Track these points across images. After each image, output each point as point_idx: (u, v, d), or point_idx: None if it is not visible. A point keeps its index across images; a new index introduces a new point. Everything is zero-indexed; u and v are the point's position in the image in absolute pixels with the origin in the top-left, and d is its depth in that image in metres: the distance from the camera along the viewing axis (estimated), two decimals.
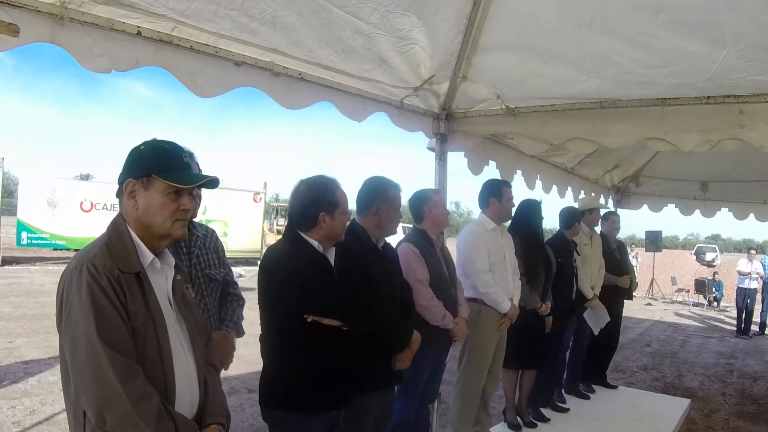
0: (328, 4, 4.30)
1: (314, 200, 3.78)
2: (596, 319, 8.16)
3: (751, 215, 12.33)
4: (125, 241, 2.59)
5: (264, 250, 26.09)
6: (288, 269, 3.68)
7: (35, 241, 28.40)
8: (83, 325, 2.36)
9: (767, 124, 5.25)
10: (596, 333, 8.32)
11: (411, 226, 5.78)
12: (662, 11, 4.66)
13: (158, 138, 2.83)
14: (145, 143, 2.74)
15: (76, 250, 26.67)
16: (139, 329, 2.49)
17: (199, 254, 3.97)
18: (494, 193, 6.35)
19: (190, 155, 3.77)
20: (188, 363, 2.73)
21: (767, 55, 4.73)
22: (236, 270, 19.47)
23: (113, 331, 2.39)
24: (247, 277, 21.02)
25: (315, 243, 3.82)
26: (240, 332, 4.22)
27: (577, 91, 5.85)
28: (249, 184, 34.79)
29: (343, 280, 3.93)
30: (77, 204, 28.38)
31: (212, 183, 2.81)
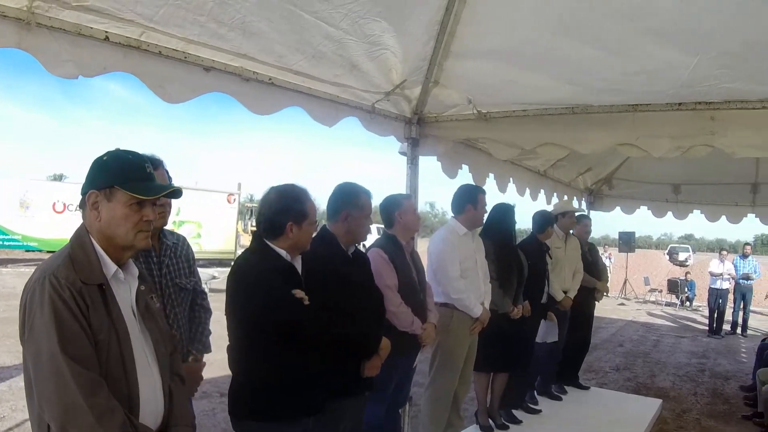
0: (299, 10, 4.27)
1: (283, 209, 3.76)
2: (546, 330, 8.16)
3: (723, 217, 12.51)
4: (88, 252, 2.58)
5: (238, 251, 26.09)
6: (255, 279, 3.66)
7: (7, 243, 28.20)
8: (46, 339, 2.34)
9: (738, 131, 5.32)
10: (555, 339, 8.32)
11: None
12: (636, 19, 4.68)
13: (121, 148, 2.81)
14: (108, 153, 2.72)
15: (49, 251, 26.58)
16: (103, 342, 2.48)
17: (169, 263, 3.94)
18: (470, 200, 6.35)
19: (159, 163, 3.78)
20: (153, 374, 2.71)
21: (739, 63, 4.78)
22: (210, 271, 19.47)
23: (76, 344, 2.38)
24: (220, 279, 20.86)
25: (282, 252, 3.80)
26: (208, 349, 4.22)
27: (549, 98, 5.89)
28: (223, 185, 34.66)
29: (311, 287, 3.92)
30: (50, 205, 28.15)
31: (175, 193, 2.82)
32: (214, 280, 20.99)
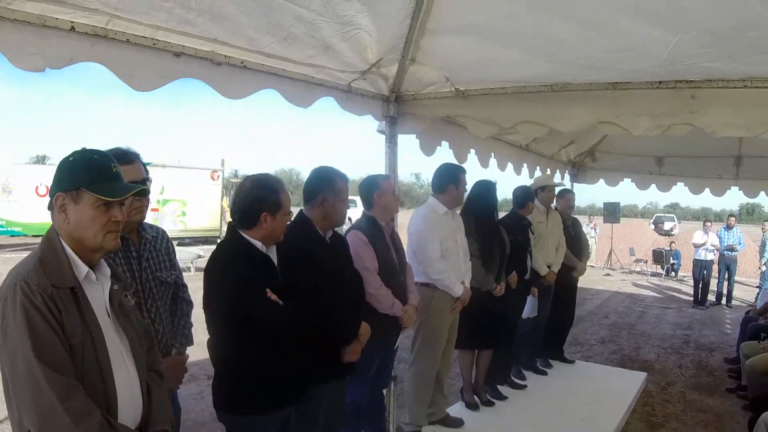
0: None
1: (258, 199, 3.74)
2: (528, 306, 8.18)
3: (707, 190, 12.48)
4: (59, 255, 2.56)
5: (223, 228, 26.00)
6: (227, 276, 3.65)
7: None
8: (20, 347, 2.34)
9: (719, 110, 5.27)
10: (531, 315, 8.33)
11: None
12: None
13: (87, 148, 2.78)
14: (74, 154, 2.69)
15: (34, 236, 26.44)
16: (77, 345, 2.47)
17: (149, 257, 3.89)
18: (453, 180, 6.36)
19: (135, 157, 3.74)
20: (130, 374, 2.71)
21: (720, 42, 4.72)
22: (195, 250, 19.39)
23: (50, 350, 2.37)
24: (206, 257, 20.76)
25: (257, 243, 3.78)
26: (190, 342, 4.18)
27: (528, 75, 5.82)
28: (207, 162, 34.41)
29: (287, 275, 3.90)
30: (32, 189, 27.76)
31: (142, 193, 2.86)
32: (200, 259, 20.91)
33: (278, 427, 3.93)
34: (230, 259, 3.72)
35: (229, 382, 3.82)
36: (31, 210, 26.47)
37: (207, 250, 20.32)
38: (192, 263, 20.52)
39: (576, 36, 5.12)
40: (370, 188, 5.51)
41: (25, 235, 27.80)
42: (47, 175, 27.99)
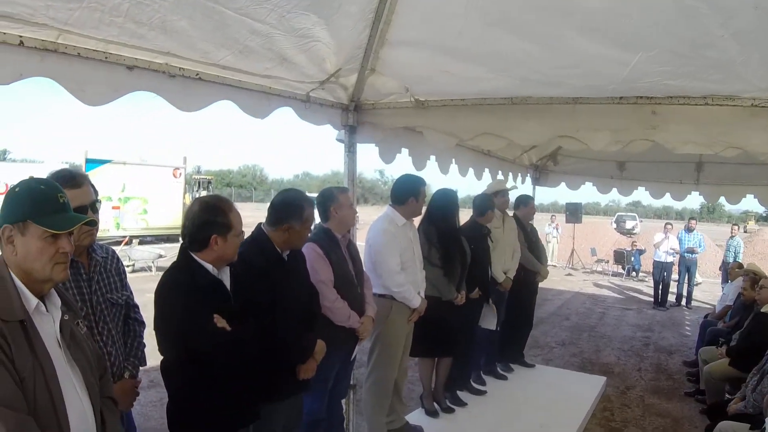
0: (220, 6, 4.11)
1: (206, 222, 3.68)
2: (486, 317, 8.15)
3: (668, 194, 12.62)
4: (7, 288, 2.52)
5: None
6: (175, 302, 3.59)
7: None
8: None
9: (679, 126, 5.33)
10: (492, 328, 8.28)
11: None
12: (574, 13, 4.60)
13: (35, 177, 2.74)
14: (20, 184, 2.65)
15: None
16: (28, 379, 2.43)
17: (99, 279, 3.82)
18: (413, 193, 6.34)
19: (83, 180, 3.68)
20: (82, 405, 2.67)
21: (680, 61, 4.75)
22: (156, 249, 19.26)
23: (1, 386, 2.33)
24: (167, 257, 20.66)
25: (209, 266, 3.73)
26: (143, 363, 4.11)
27: (486, 89, 5.82)
28: (169, 159, 34.19)
29: (241, 294, 3.86)
30: None
31: (90, 223, 2.85)
32: (161, 259, 20.76)
33: None
34: (176, 288, 3.66)
35: (180, 406, 3.78)
36: None
37: (168, 249, 20.24)
38: (153, 263, 20.39)
39: (530, 53, 5.11)
40: (327, 201, 5.48)
41: None
42: (7, 172, 27.72)
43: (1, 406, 2.30)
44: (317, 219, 4.97)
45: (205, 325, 3.52)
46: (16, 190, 2.61)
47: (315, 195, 5.56)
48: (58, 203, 2.63)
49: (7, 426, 2.29)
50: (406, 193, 6.35)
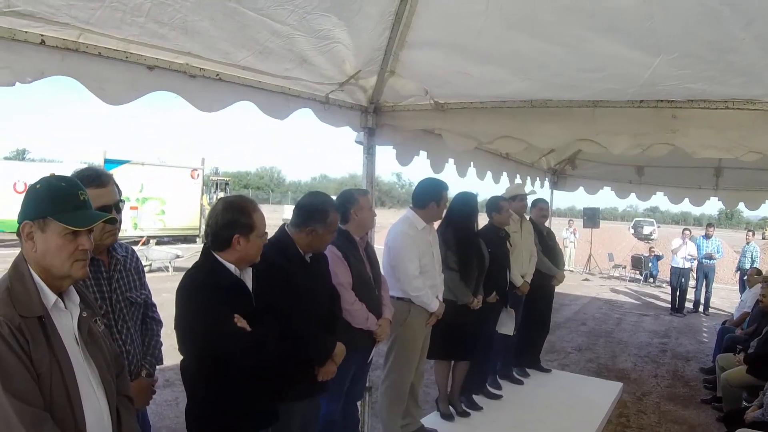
0: (241, 7, 4.11)
1: (229, 222, 3.68)
2: (504, 321, 8.11)
3: (686, 200, 12.54)
4: (26, 284, 2.54)
5: (202, 227, 25.92)
6: (196, 301, 3.59)
7: None
8: None
9: (699, 130, 5.26)
10: (510, 333, 8.23)
11: None
12: (596, 15, 4.55)
13: (56, 174, 2.78)
14: (41, 181, 2.66)
15: (11, 232, 26.13)
16: (45, 375, 2.45)
17: (119, 278, 3.81)
18: (435, 198, 6.33)
19: (108, 180, 3.69)
20: (99, 402, 2.69)
21: (701, 64, 4.69)
22: (173, 250, 19.31)
23: (17, 381, 2.35)
24: (184, 257, 20.73)
25: (231, 266, 3.72)
26: (160, 361, 4.11)
27: (505, 92, 5.79)
28: (187, 160, 34.32)
29: (263, 296, 3.86)
30: (10, 185, 27.58)
31: (111, 221, 2.86)
32: (178, 259, 20.81)
33: None
34: (198, 287, 3.65)
35: (198, 408, 3.78)
36: (9, 206, 26.20)
37: (185, 249, 20.27)
38: (170, 263, 20.44)
39: (552, 55, 5.08)
40: (347, 203, 5.49)
41: (3, 232, 27.53)
42: (26, 172, 27.88)
43: (17, 400, 2.31)
44: None
45: (225, 326, 3.51)
46: (37, 186, 2.62)
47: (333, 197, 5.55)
48: (79, 200, 2.64)
49: (23, 421, 2.31)
50: (427, 197, 6.34)
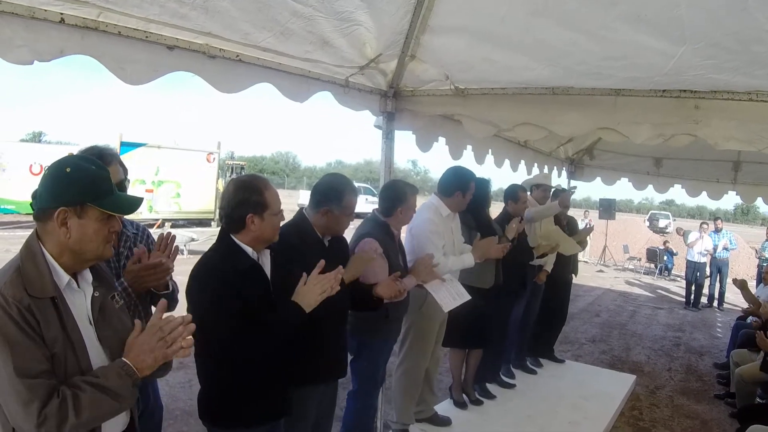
0: None
1: (241, 201, 3.63)
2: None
3: (704, 193, 12.38)
4: (39, 265, 2.51)
5: (218, 209, 25.99)
6: (212, 282, 3.54)
7: None
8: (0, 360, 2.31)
9: (722, 122, 5.18)
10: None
11: None
12: (620, 3, 4.49)
13: (79, 156, 2.79)
14: (70, 165, 2.60)
15: (27, 214, 26.33)
16: (59, 355, 2.44)
17: (129, 255, 3.82)
18: (462, 188, 6.31)
19: (113, 158, 3.67)
20: None
21: (726, 55, 4.61)
22: (188, 233, 19.30)
23: (30, 361, 2.35)
24: (200, 241, 20.74)
25: (248, 249, 3.69)
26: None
27: (527, 78, 5.73)
28: (203, 143, 34.43)
29: (279, 277, 3.84)
30: (26, 167, 27.68)
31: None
32: (193, 242, 20.83)
33: None
34: (209, 272, 3.60)
35: (211, 395, 3.77)
36: (25, 188, 26.30)
37: (201, 233, 20.30)
38: (185, 246, 20.45)
39: (575, 42, 5.00)
40: (397, 199, 5.53)
41: (19, 213, 27.69)
42: (42, 154, 27.98)
43: (31, 379, 2.31)
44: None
45: (229, 316, 3.45)
46: (68, 171, 2.57)
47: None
48: (110, 184, 2.64)
49: (40, 397, 2.30)
50: (453, 186, 6.32)
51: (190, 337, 2.76)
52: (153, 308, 3.54)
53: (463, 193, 6.28)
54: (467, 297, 5.96)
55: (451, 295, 5.90)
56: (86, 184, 2.55)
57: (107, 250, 2.64)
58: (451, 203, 6.31)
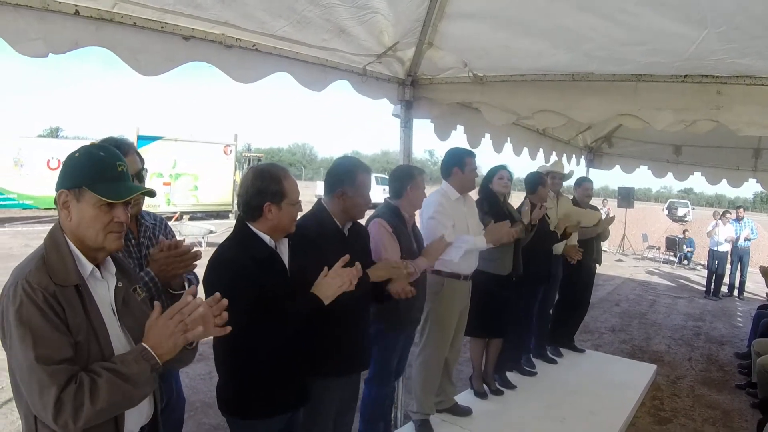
0: None
1: (260, 190, 3.60)
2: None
3: (724, 180, 12.24)
4: (63, 253, 2.51)
5: (235, 203, 26.02)
6: (234, 270, 3.51)
7: (3, 202, 27.81)
8: (22, 348, 2.31)
9: (744, 107, 5.08)
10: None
11: None
12: None
13: (96, 143, 2.75)
14: (80, 150, 2.62)
15: (46, 209, 26.50)
16: (83, 344, 2.43)
17: (149, 245, 3.81)
18: (457, 163, 6.23)
19: (129, 148, 3.65)
20: None
21: (749, 39, 4.53)
22: (206, 225, 19.35)
23: (52, 348, 2.33)
24: (217, 233, 20.78)
25: (266, 237, 3.66)
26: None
27: (547, 64, 5.67)
28: (221, 136, 34.53)
29: (297, 267, 3.81)
30: (44, 162, 27.73)
31: (149, 194, 2.80)
32: (211, 235, 20.89)
33: (282, 426, 3.86)
34: (228, 262, 3.58)
35: (230, 386, 3.76)
36: (43, 183, 26.44)
37: (219, 225, 20.36)
38: (203, 238, 20.51)
39: (596, 27, 4.94)
40: (405, 179, 5.49)
41: (37, 208, 27.83)
42: (59, 149, 28.09)
43: (53, 366, 2.30)
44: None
45: (247, 304, 3.40)
46: (76, 155, 2.59)
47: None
48: (116, 171, 2.60)
49: (59, 383, 2.29)
50: (449, 163, 6.29)
51: (225, 313, 2.76)
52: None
53: (460, 168, 6.21)
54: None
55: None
56: (86, 168, 2.54)
57: (110, 241, 2.58)
58: (455, 182, 6.24)
